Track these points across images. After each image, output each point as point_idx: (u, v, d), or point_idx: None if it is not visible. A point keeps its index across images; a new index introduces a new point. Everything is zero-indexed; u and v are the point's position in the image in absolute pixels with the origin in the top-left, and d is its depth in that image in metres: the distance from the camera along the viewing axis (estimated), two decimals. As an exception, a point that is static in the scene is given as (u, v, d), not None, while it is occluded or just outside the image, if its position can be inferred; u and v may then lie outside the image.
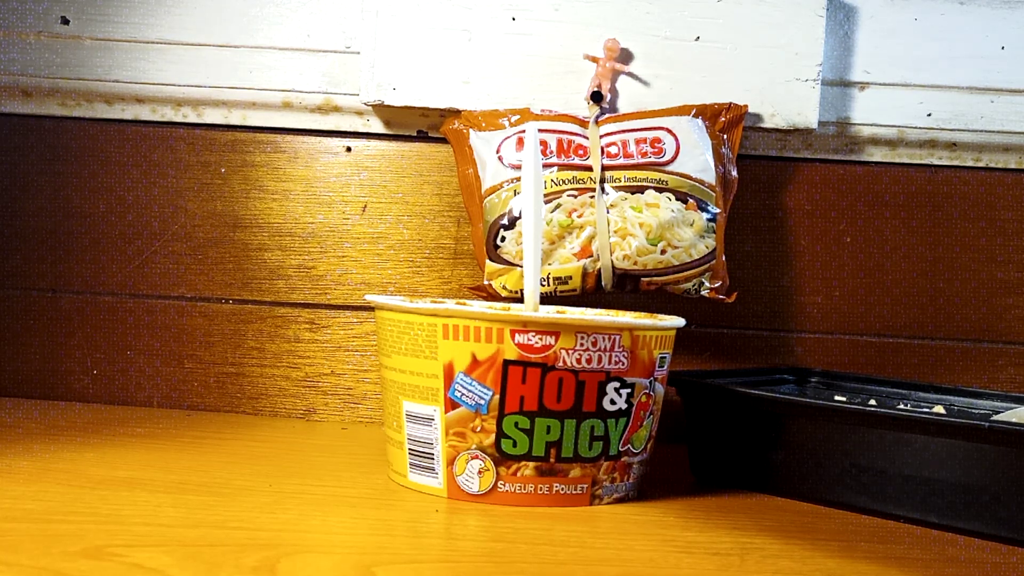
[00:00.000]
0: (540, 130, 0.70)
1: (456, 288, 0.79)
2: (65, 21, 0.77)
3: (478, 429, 0.53)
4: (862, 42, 0.78)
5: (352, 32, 0.77)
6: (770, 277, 0.80)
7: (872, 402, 0.68)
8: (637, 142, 0.71)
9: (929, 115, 0.78)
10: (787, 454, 0.59)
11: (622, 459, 0.55)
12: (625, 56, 0.75)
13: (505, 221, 0.69)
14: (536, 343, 0.52)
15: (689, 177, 0.70)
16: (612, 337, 0.53)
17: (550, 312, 0.62)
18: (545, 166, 0.70)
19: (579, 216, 0.69)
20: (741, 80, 0.74)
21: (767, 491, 0.61)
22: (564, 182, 0.69)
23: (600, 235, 0.68)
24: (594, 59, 0.74)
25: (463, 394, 0.53)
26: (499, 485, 0.54)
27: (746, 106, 0.73)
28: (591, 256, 0.68)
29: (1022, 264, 0.80)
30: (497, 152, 0.71)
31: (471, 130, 0.73)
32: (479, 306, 0.63)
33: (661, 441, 0.67)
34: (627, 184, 0.69)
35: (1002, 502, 0.51)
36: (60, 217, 0.79)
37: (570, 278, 0.68)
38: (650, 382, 0.56)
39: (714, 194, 0.71)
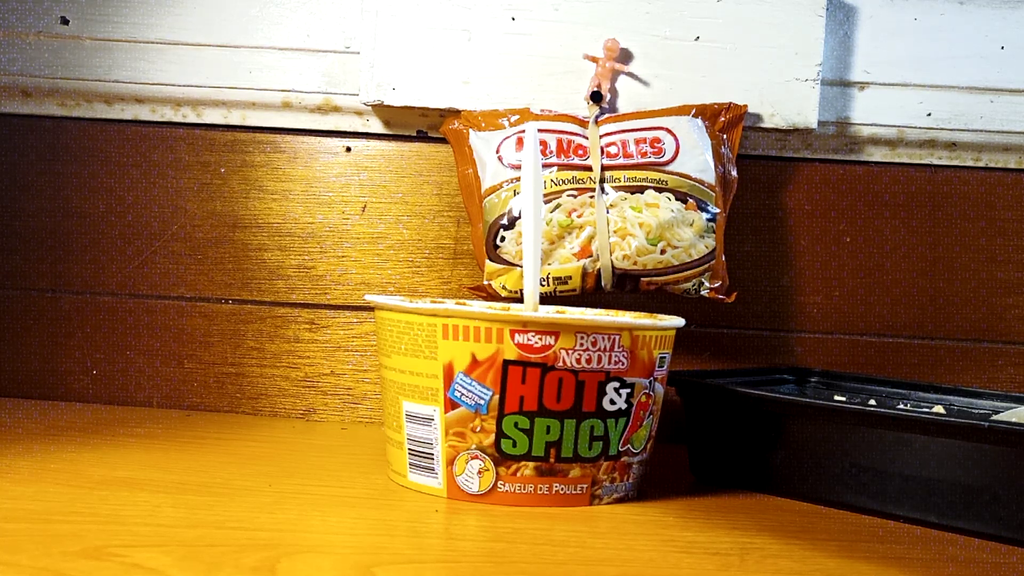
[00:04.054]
0: (540, 130, 0.70)
1: (456, 288, 0.79)
2: (65, 21, 0.77)
3: (478, 429, 0.53)
4: (862, 42, 0.78)
5: (352, 32, 0.77)
6: (770, 277, 0.80)
7: (872, 402, 0.68)
8: (637, 142, 0.71)
9: (929, 115, 0.78)
10: (787, 454, 0.59)
11: (622, 459, 0.55)
12: (625, 56, 0.75)
13: (505, 221, 0.69)
14: (536, 343, 0.52)
15: (689, 177, 0.70)
16: (612, 337, 0.53)
17: (550, 312, 0.62)
18: (545, 166, 0.70)
19: (579, 216, 0.69)
20: (741, 80, 0.74)
21: (767, 491, 0.61)
22: (564, 182, 0.69)
23: (600, 235, 0.68)
24: (594, 59, 0.74)
25: (463, 394, 0.53)
26: (499, 485, 0.54)
27: (746, 106, 0.73)
28: (591, 256, 0.68)
29: (1022, 264, 0.80)
30: (497, 152, 0.71)
31: (471, 130, 0.73)
32: (479, 306, 0.63)
33: (661, 441, 0.67)
34: (627, 184, 0.69)
35: (1002, 502, 0.51)
36: (60, 217, 0.79)
37: (570, 278, 0.68)
38: (650, 382, 0.56)
39: (714, 194, 0.71)
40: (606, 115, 0.73)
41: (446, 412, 0.54)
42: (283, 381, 0.79)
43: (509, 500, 0.54)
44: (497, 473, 0.53)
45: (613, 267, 0.68)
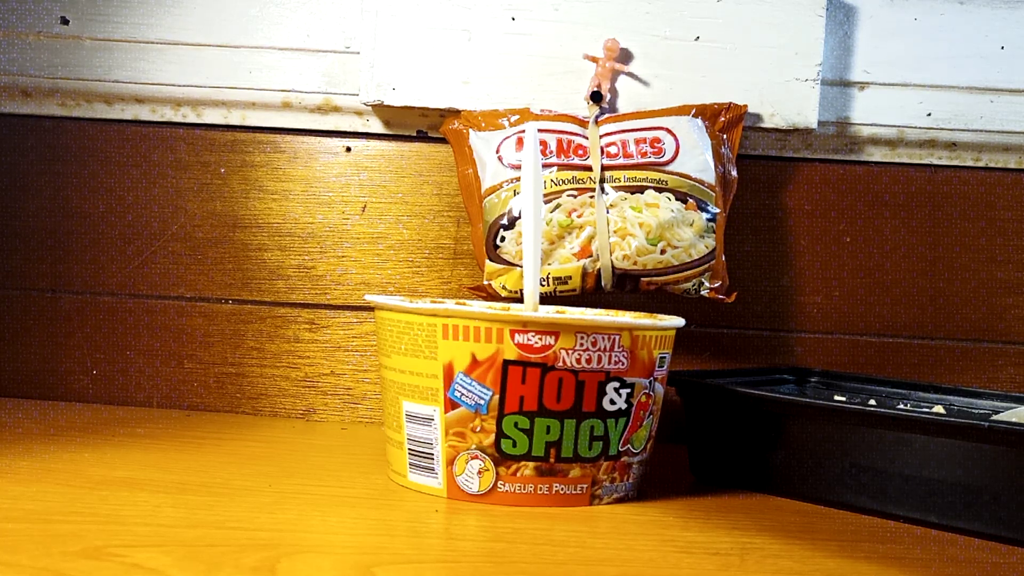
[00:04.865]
0: (540, 130, 0.70)
1: (456, 288, 0.79)
2: (65, 21, 0.77)
3: (478, 429, 0.53)
4: (862, 42, 0.78)
5: (352, 32, 0.77)
6: (770, 277, 0.80)
7: (872, 402, 0.68)
8: (637, 142, 0.71)
9: (929, 115, 0.78)
10: (787, 454, 0.59)
11: (622, 459, 0.55)
12: (625, 56, 0.75)
13: (505, 221, 0.69)
14: (536, 343, 0.52)
15: (689, 177, 0.70)
16: (612, 337, 0.53)
17: (550, 312, 0.62)
18: (545, 166, 0.70)
19: (579, 216, 0.69)
20: (741, 80, 0.74)
21: (767, 491, 0.61)
22: (564, 182, 0.69)
23: (600, 235, 0.68)
24: (594, 59, 0.74)
25: (463, 394, 0.53)
26: (499, 485, 0.54)
27: (746, 106, 0.73)
28: (591, 256, 0.68)
29: (1022, 264, 0.80)
30: (497, 152, 0.71)
31: (471, 130, 0.73)
32: (479, 306, 0.63)
33: (661, 441, 0.67)
34: (627, 184, 0.69)
35: (1002, 502, 0.51)
36: (60, 217, 0.79)
37: (570, 278, 0.68)
38: (650, 382, 0.56)
39: (714, 194, 0.71)
40: (606, 115, 0.73)
41: (446, 412, 0.54)
42: (283, 381, 0.79)
43: (509, 500, 0.54)
44: (497, 473, 0.53)
45: (613, 267, 0.68)
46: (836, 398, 0.70)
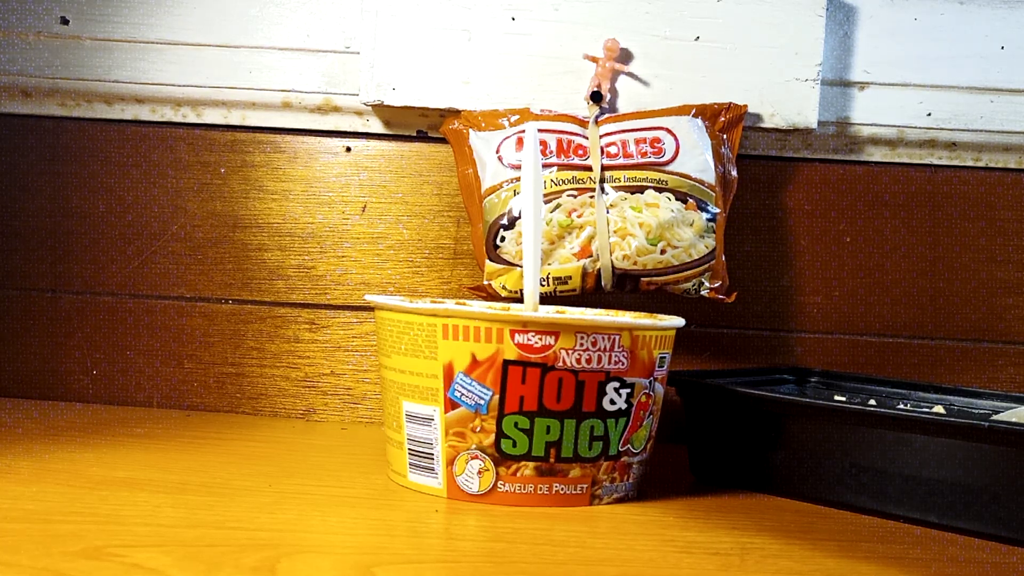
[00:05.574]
0: (540, 130, 0.70)
1: (456, 288, 0.79)
2: (65, 21, 0.77)
3: (478, 429, 0.53)
4: (862, 42, 0.78)
5: (352, 32, 0.77)
6: (770, 277, 0.80)
7: (872, 402, 0.68)
8: (637, 142, 0.71)
9: (929, 115, 0.78)
10: (787, 454, 0.59)
11: (622, 459, 0.55)
12: (625, 56, 0.75)
13: (505, 221, 0.69)
14: (536, 343, 0.52)
15: (689, 177, 0.70)
16: (612, 337, 0.53)
17: (550, 312, 0.62)
18: (545, 166, 0.70)
19: (579, 216, 0.69)
20: (741, 80, 0.74)
21: (767, 491, 0.61)
22: (564, 182, 0.69)
23: (600, 235, 0.68)
24: (594, 59, 0.74)
25: (463, 394, 0.53)
26: (499, 485, 0.54)
27: (746, 106, 0.73)
28: (591, 256, 0.68)
29: (1022, 264, 0.80)
30: (497, 152, 0.71)
31: (471, 130, 0.73)
32: (479, 306, 0.63)
33: (661, 441, 0.67)
34: (627, 184, 0.69)
35: (1002, 502, 0.51)
36: (60, 217, 0.79)
37: (570, 278, 0.68)
38: (650, 382, 0.56)
39: (714, 194, 0.71)
40: (606, 115, 0.73)
41: (446, 412, 0.54)
42: (283, 381, 0.79)
43: (509, 500, 0.54)
44: (497, 473, 0.53)
45: (613, 267, 0.68)
46: (836, 398, 0.70)
